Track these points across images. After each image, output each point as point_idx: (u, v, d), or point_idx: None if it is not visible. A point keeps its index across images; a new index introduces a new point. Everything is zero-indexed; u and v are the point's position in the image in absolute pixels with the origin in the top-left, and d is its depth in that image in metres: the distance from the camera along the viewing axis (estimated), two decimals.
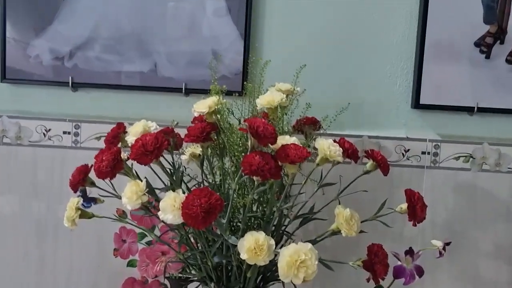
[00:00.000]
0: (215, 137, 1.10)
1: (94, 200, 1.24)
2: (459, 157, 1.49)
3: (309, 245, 0.93)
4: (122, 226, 1.45)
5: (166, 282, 1.48)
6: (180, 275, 1.35)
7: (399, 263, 1.10)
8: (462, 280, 1.51)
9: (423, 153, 1.49)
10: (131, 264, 1.47)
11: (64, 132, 1.48)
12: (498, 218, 1.50)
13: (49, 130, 1.48)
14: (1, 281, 1.48)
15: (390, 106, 1.49)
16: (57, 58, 1.45)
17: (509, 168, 1.49)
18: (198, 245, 1.12)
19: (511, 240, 1.50)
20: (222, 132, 1.09)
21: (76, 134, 1.48)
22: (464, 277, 1.51)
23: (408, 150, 1.48)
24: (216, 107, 1.08)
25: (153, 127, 1.08)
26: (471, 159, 1.49)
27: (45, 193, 1.46)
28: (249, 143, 0.99)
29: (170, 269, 1.36)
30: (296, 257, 0.91)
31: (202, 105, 1.08)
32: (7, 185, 1.48)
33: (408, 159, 1.49)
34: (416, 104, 1.46)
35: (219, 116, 1.10)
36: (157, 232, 1.38)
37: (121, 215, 1.23)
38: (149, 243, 1.46)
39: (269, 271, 1.11)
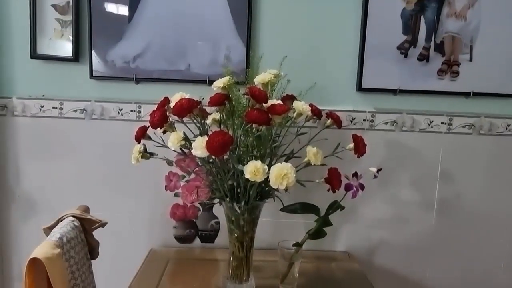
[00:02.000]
0: (228, 104, 1.09)
1: (152, 154, 1.23)
2: (387, 122, 1.48)
3: (289, 164, 0.93)
4: (170, 170, 1.44)
5: (199, 206, 1.48)
6: (207, 201, 1.34)
7: (348, 181, 1.09)
8: (389, 201, 1.50)
9: (364, 120, 1.48)
10: (176, 195, 1.46)
11: (132, 111, 1.47)
12: (412, 160, 1.49)
13: (121, 109, 1.47)
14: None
15: (343, 88, 1.47)
16: (125, 61, 1.44)
17: (419, 129, 1.48)
18: (218, 174, 1.11)
19: (419, 175, 1.49)
20: (233, 100, 1.08)
21: (139, 112, 1.47)
22: (390, 199, 1.50)
23: (354, 118, 1.47)
24: (228, 83, 1.07)
25: (187, 96, 1.07)
26: (395, 123, 1.48)
27: (118, 149, 1.45)
28: (249, 104, 0.98)
29: (201, 196, 1.35)
30: (281, 171, 0.90)
31: (219, 82, 1.07)
32: (95, 144, 1.48)
33: (354, 124, 1.47)
34: (359, 87, 1.45)
35: (229, 91, 1.08)
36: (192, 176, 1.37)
37: (169, 162, 1.22)
38: (187, 181, 1.45)
39: (264, 191, 1.11)
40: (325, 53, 1.45)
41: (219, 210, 1.49)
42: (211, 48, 1.44)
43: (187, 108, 0.96)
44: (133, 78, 1.44)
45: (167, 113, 1.03)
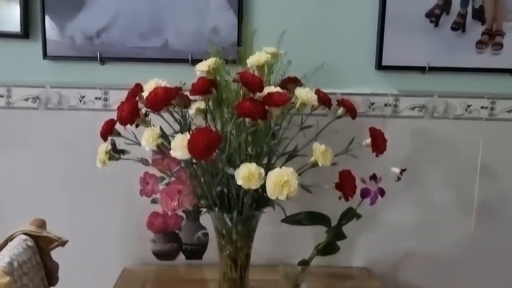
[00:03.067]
0: (215, 91, 1.09)
1: (122, 152, 1.23)
2: (414, 107, 1.48)
3: (291, 169, 0.93)
4: (146, 171, 1.44)
5: (182, 214, 1.49)
6: (192, 209, 1.35)
7: (365, 185, 1.09)
8: (417, 204, 1.51)
9: (386, 105, 1.47)
10: (154, 201, 1.47)
11: (96, 98, 1.47)
12: (445, 153, 1.49)
13: (84, 96, 1.47)
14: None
15: (358, 67, 1.46)
16: (88, 37, 1.43)
17: (454, 115, 1.48)
18: (204, 178, 1.11)
19: (455, 172, 1.50)
20: (220, 87, 1.08)
21: (106, 100, 1.47)
22: (419, 201, 1.51)
23: (373, 103, 1.47)
24: (214, 66, 1.06)
25: (163, 83, 1.07)
26: (424, 109, 1.48)
27: (81, 146, 1.45)
28: (241, 92, 0.97)
29: (185, 203, 1.36)
30: (280, 178, 0.91)
31: (203, 65, 1.07)
32: (51, 140, 1.48)
33: (373, 111, 1.47)
34: (379, 65, 1.44)
35: (217, 75, 1.08)
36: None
37: (144, 161, 1.23)
38: (167, 184, 1.46)
39: (261, 198, 1.11)
40: (335, 23, 1.44)
41: (207, 219, 1.50)
42: (194, 18, 1.42)
43: (164, 100, 0.96)
44: (97, 57, 1.43)
45: (139, 105, 1.03)
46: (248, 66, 1.11)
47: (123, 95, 1.41)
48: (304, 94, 1.01)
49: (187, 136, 0.97)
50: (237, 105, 0.94)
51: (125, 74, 1.46)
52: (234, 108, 0.95)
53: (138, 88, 1.13)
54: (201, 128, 0.94)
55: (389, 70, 1.46)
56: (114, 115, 1.37)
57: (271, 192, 0.91)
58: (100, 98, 1.47)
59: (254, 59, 1.07)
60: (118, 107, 1.03)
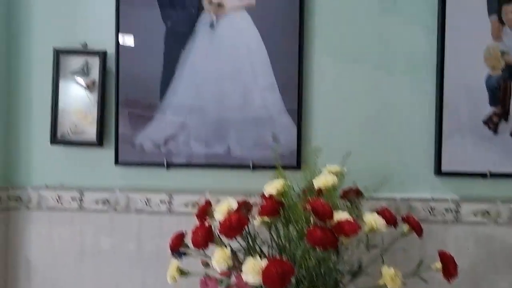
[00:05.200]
0: (282, 212, 1.12)
1: (185, 253, 1.27)
2: (477, 213, 1.45)
3: None
4: (206, 274, 1.46)
5: None
6: None
7: None
8: None
9: (447, 210, 1.46)
10: None
11: (161, 201, 1.53)
12: None
13: (149, 200, 1.54)
14: None
15: (417, 172, 1.47)
16: (156, 145, 1.52)
17: None
18: None
19: None
20: (288, 208, 1.11)
21: (170, 203, 1.53)
22: None
23: (434, 209, 1.46)
24: (282, 190, 1.10)
25: (235, 206, 1.11)
26: (487, 215, 1.45)
27: (146, 248, 1.50)
28: (311, 219, 1.00)
29: None
30: None
31: (271, 188, 1.11)
32: (119, 243, 1.54)
33: (434, 216, 1.46)
34: (438, 171, 1.45)
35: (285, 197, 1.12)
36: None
37: (205, 264, 1.25)
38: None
39: None
40: (392, 129, 1.48)
41: None
42: (255, 126, 1.50)
43: (238, 228, 1.00)
44: (163, 163, 1.51)
45: (212, 228, 1.07)
46: (313, 186, 1.14)
47: (186, 199, 1.51)
48: (373, 220, 1.02)
49: (258, 261, 0.99)
50: (309, 234, 0.97)
51: (189, 179, 1.53)
52: (305, 237, 0.98)
53: (208, 205, 1.18)
54: (274, 259, 0.96)
55: (449, 176, 1.46)
56: (177, 219, 1.45)
57: None
58: (164, 202, 1.53)
59: (321, 182, 1.11)
60: (193, 231, 1.08)
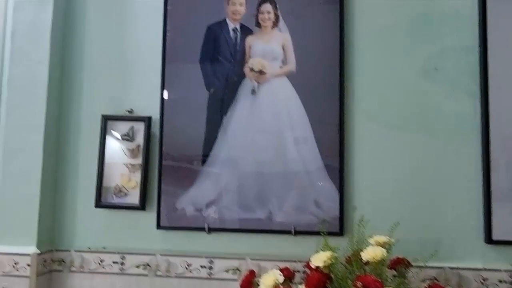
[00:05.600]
0: (330, 286, 1.09)
1: None
2: None
3: None
4: None
5: None
6: None
7: None
8: None
9: (500, 281, 1.38)
10: None
11: (202, 266, 1.52)
12: None
13: (190, 264, 1.53)
14: None
15: (466, 241, 1.42)
16: (197, 209, 1.53)
17: None
18: None
19: None
20: (335, 282, 1.08)
21: (210, 268, 1.52)
22: None
23: (486, 279, 1.39)
24: (330, 262, 1.08)
25: (281, 279, 1.09)
26: None
27: None
28: None
29: None
30: None
31: (318, 260, 1.09)
32: None
33: (487, 287, 1.38)
34: (489, 239, 1.39)
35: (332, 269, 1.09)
36: None
37: None
38: None
39: None
40: (438, 196, 1.44)
41: None
42: (296, 191, 1.49)
43: None
44: (204, 228, 1.51)
45: None
46: (362, 258, 1.11)
47: (227, 264, 1.49)
48: None
49: None
50: None
51: (230, 243, 1.52)
52: None
53: (252, 275, 1.16)
54: None
55: (500, 245, 1.40)
56: (218, 285, 1.43)
57: None
58: (205, 267, 1.52)
59: (369, 255, 1.08)
60: None
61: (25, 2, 1.61)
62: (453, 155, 1.44)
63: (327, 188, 1.47)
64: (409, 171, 1.45)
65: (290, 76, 1.53)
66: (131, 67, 1.63)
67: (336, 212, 1.45)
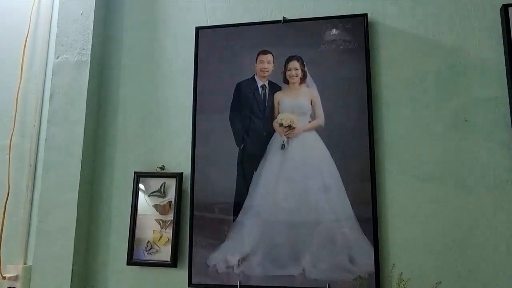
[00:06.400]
0: None
1: None
2: None
3: None
4: None
5: None
6: None
7: None
8: None
9: None
10: None
11: None
12: None
13: None
14: None
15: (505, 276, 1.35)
16: (229, 266, 1.51)
17: None
18: None
19: None
20: None
21: None
22: None
23: None
24: None
25: None
26: None
27: None
28: None
29: None
30: None
31: None
32: None
33: None
34: None
35: None
36: None
37: None
38: None
39: None
40: (478, 254, 1.40)
41: None
42: (330, 247, 1.46)
43: None
44: (237, 285, 1.49)
45: None
46: None
47: None
48: None
49: None
50: None
51: None
52: None
53: None
54: None
55: None
56: None
57: None
58: None
59: None
60: None
61: (63, 66, 1.69)
62: (491, 210, 1.41)
63: (361, 244, 1.44)
64: (446, 226, 1.42)
65: (319, 130, 1.54)
66: (163, 125, 1.67)
67: (371, 268, 1.42)
